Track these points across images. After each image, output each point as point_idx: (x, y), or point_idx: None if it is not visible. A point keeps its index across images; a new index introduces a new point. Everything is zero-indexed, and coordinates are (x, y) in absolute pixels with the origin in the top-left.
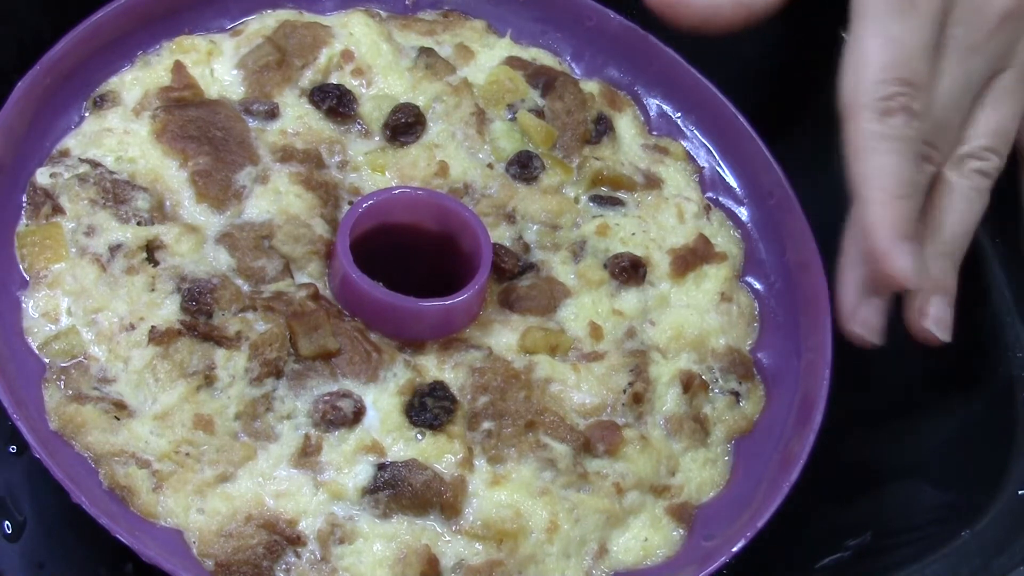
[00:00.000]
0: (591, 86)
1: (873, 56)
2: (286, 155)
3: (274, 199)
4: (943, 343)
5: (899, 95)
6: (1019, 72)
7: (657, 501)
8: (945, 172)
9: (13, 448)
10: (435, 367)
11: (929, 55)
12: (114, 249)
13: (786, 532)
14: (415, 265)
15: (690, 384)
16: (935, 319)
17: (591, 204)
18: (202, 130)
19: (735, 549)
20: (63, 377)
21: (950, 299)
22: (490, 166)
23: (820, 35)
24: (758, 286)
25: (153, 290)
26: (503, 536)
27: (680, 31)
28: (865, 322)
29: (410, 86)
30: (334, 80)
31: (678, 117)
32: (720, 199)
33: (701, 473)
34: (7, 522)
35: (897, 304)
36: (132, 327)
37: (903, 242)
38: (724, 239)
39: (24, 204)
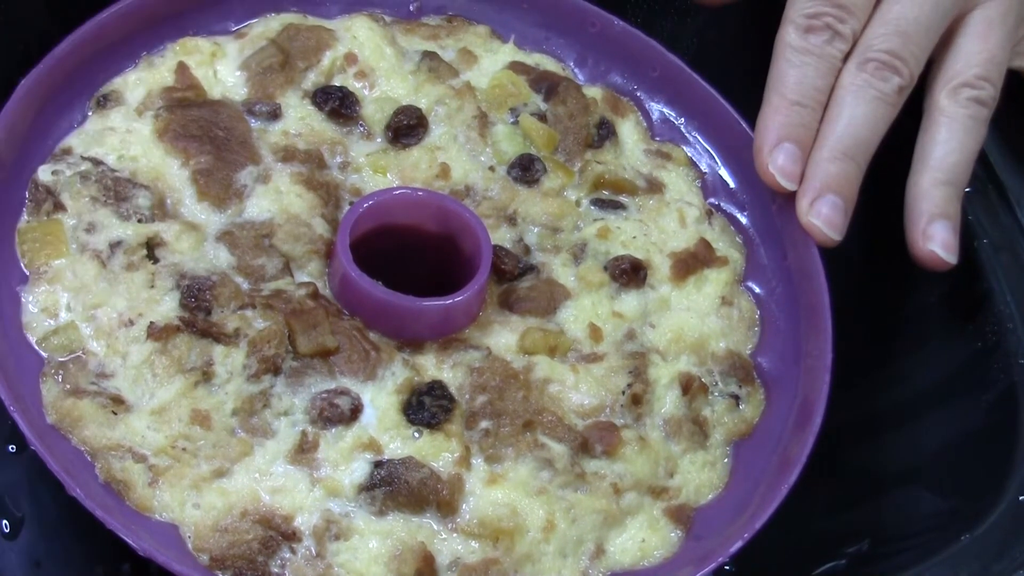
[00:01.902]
0: (594, 91)
1: None
2: (288, 155)
3: (275, 198)
4: (949, 266)
5: (826, 15)
6: (1001, 3)
7: (655, 502)
8: (941, 101)
9: (12, 447)
10: (434, 366)
11: None
12: (114, 246)
13: (784, 538)
14: (415, 266)
15: (689, 386)
16: (941, 242)
17: (592, 207)
18: (204, 129)
19: (732, 550)
20: (61, 371)
21: (954, 225)
22: (492, 169)
23: None
24: (759, 291)
25: (152, 287)
26: (499, 535)
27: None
28: (819, 214)
29: (413, 89)
30: (337, 82)
31: (680, 123)
32: (722, 204)
33: (700, 475)
34: (5, 520)
35: (902, 303)
36: (131, 323)
37: (785, 144)
38: (726, 244)
39: (26, 201)
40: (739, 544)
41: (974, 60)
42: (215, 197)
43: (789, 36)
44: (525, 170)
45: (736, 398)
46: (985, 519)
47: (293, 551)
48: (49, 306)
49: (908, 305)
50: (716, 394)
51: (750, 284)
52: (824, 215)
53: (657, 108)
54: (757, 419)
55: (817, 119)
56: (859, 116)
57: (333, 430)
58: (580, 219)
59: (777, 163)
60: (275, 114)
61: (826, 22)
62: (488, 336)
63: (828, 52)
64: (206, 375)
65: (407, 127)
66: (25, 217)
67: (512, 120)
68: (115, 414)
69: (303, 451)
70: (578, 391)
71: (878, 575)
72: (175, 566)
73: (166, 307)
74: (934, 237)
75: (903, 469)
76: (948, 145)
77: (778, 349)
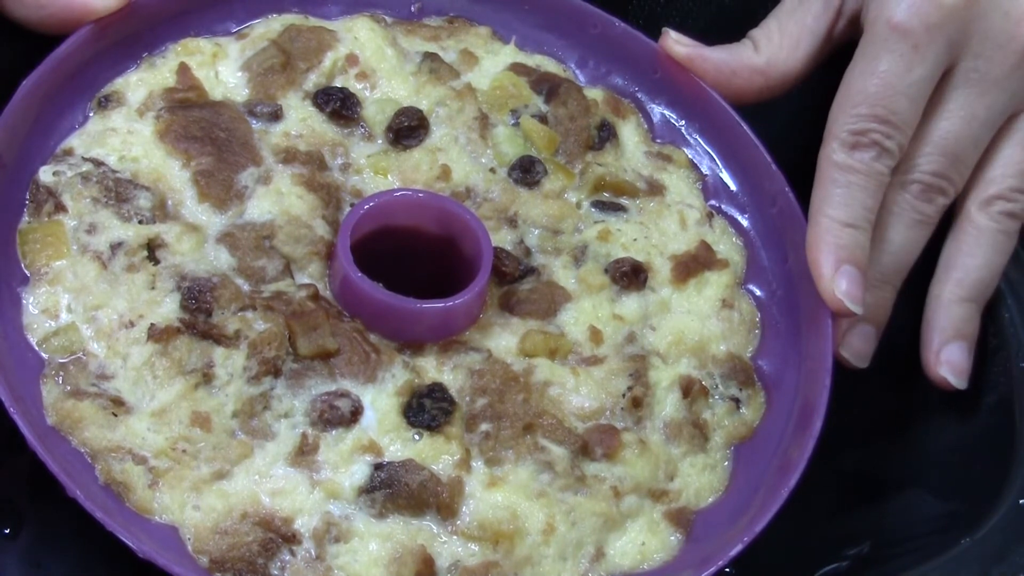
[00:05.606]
0: (595, 93)
1: (855, 90)
2: (289, 157)
3: (276, 200)
4: (958, 390)
5: (872, 131)
6: None
7: (655, 505)
8: (972, 213)
9: (13, 448)
10: (434, 369)
11: (921, 94)
12: (115, 247)
13: (784, 541)
14: (416, 268)
15: (690, 389)
16: (953, 367)
17: (593, 209)
18: (205, 131)
19: (732, 553)
20: (62, 373)
21: (970, 346)
22: (492, 170)
23: None
24: (760, 293)
25: (153, 288)
26: (499, 537)
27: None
28: (849, 346)
29: (414, 90)
30: (338, 83)
31: (682, 125)
32: (723, 207)
33: (700, 478)
34: (5, 521)
35: (904, 306)
36: (131, 324)
37: (845, 267)
38: (726, 246)
39: (27, 202)
40: (739, 547)
41: (1011, 170)
42: (216, 198)
43: (835, 154)
44: (526, 172)
45: (736, 401)
46: (985, 522)
47: (293, 553)
48: (50, 307)
49: (909, 308)
50: (716, 397)
51: (751, 287)
52: (950, 362)
53: (658, 110)
54: (757, 422)
55: (870, 237)
56: (899, 241)
57: (333, 432)
58: (581, 221)
59: (842, 289)
60: (276, 115)
61: (873, 139)
62: (488, 338)
63: (875, 169)
64: (206, 377)
65: (408, 128)
66: (26, 218)
67: (513, 122)
68: (115, 416)
69: (303, 453)
70: (578, 394)
71: None
72: (175, 568)
73: (167, 309)
74: (947, 362)
75: (904, 472)
76: (974, 260)
77: (779, 352)
